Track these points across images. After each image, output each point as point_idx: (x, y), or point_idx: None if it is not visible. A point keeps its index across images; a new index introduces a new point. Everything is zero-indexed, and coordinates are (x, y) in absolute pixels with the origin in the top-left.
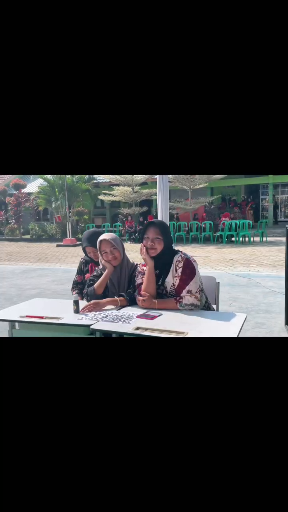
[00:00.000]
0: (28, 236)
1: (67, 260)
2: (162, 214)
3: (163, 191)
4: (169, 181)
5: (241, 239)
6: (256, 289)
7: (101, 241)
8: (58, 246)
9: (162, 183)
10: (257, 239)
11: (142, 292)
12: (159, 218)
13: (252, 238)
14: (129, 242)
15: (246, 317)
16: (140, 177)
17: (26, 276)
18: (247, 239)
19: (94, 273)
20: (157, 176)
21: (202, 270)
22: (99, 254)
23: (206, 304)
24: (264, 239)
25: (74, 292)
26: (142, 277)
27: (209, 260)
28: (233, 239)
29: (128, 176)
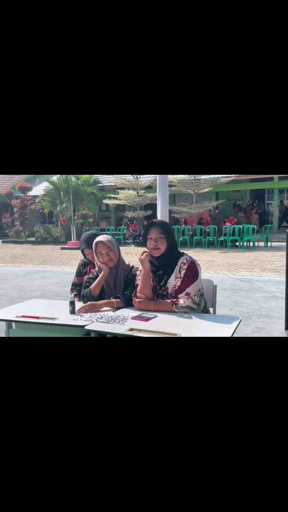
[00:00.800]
0: (33, 239)
1: (70, 263)
2: (161, 216)
3: (162, 193)
4: (173, 186)
5: (245, 243)
6: (258, 294)
7: (97, 243)
8: (62, 248)
9: (162, 185)
10: (262, 244)
11: (138, 294)
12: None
13: (256, 243)
14: (133, 245)
15: (240, 320)
16: (144, 181)
17: (29, 278)
18: (251, 243)
19: (90, 275)
20: (156, 179)
21: (205, 274)
22: (95, 256)
23: (204, 309)
24: (269, 244)
25: (73, 294)
26: None
27: (213, 264)
28: (237, 243)
29: (133, 180)
